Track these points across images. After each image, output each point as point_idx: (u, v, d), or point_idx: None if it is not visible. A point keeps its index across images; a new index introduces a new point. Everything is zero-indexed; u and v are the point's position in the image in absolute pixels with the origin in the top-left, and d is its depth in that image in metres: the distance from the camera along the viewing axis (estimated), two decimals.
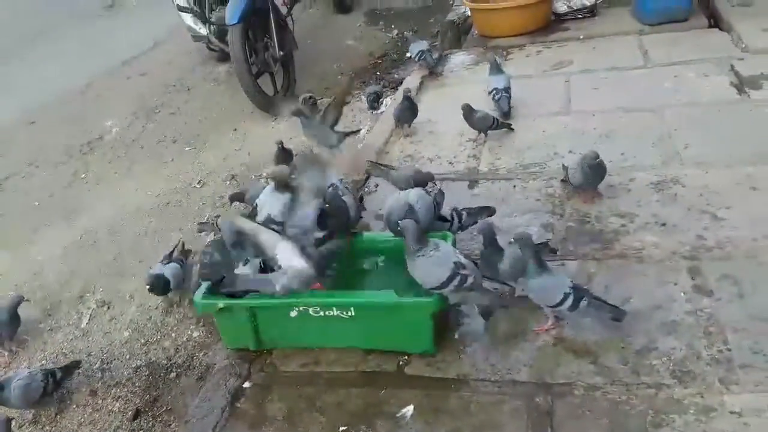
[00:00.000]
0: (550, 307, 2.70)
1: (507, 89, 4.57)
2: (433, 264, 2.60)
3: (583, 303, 2.63)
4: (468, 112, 4.20)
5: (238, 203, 3.86)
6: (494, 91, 4.59)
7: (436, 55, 5.79)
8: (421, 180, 3.46)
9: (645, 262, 3.05)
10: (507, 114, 4.53)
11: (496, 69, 4.75)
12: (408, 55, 5.98)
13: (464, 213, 3.22)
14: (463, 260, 2.63)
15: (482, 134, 4.30)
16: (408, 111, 4.55)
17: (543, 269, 2.67)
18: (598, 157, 3.41)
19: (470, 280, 2.59)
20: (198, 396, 2.83)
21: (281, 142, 3.72)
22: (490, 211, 3.32)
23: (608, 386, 2.47)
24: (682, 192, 3.49)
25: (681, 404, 2.35)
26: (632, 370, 2.52)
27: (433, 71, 5.61)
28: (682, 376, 2.45)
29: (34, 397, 2.87)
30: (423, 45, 5.67)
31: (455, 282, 2.56)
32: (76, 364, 3.11)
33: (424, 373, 2.69)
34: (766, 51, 4.86)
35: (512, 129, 4.35)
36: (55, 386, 2.95)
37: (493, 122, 4.21)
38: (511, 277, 2.82)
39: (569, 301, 2.61)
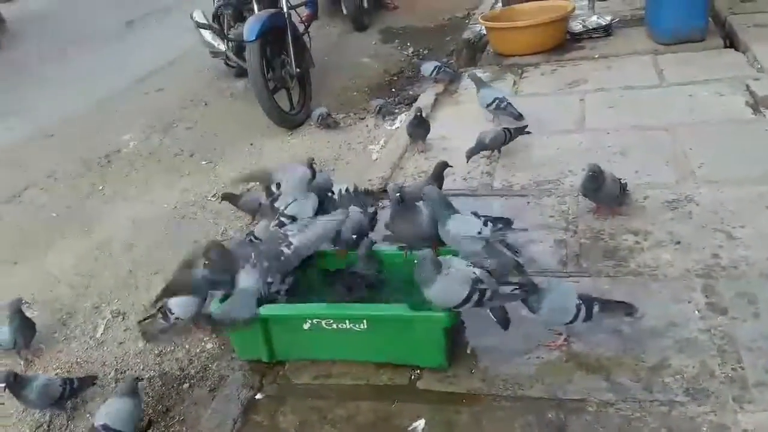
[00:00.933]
0: (565, 324, 2.69)
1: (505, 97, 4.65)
2: (451, 283, 2.57)
3: (596, 309, 2.62)
4: (476, 146, 4.21)
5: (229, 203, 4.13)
6: (497, 101, 4.61)
7: (450, 69, 5.87)
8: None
9: (659, 280, 3.05)
10: (521, 116, 4.58)
11: (483, 83, 4.88)
12: (422, 74, 5.99)
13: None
14: (478, 273, 2.60)
15: (496, 151, 4.31)
16: (419, 128, 4.57)
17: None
18: (593, 170, 3.41)
19: (488, 293, 2.56)
20: (210, 407, 2.84)
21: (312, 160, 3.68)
22: (507, 221, 3.31)
23: (621, 403, 2.46)
24: (696, 210, 3.49)
25: (694, 422, 2.33)
26: (645, 387, 2.51)
27: (452, 82, 5.73)
28: (695, 394, 2.44)
29: (52, 398, 2.91)
30: (435, 63, 5.76)
31: (475, 298, 2.53)
32: (93, 379, 3.13)
33: (436, 387, 2.69)
34: None
35: (530, 132, 4.36)
36: (70, 394, 2.97)
37: (506, 135, 4.21)
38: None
39: (583, 313, 2.61)
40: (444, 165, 3.66)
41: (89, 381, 3.10)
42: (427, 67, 5.75)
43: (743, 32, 5.58)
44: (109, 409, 2.72)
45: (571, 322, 2.66)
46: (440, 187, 3.47)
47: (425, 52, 7.40)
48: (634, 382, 2.53)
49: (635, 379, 2.55)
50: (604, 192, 3.48)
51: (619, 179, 3.52)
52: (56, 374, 3.29)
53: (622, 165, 3.99)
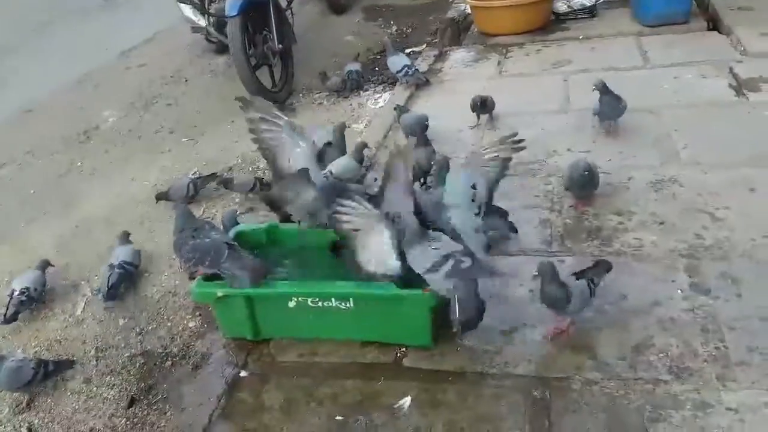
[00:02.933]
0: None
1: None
2: (428, 250, 2.58)
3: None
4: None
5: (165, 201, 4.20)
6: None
7: (422, 68, 5.66)
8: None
9: (643, 260, 3.07)
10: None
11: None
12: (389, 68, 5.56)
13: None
14: (459, 248, 2.59)
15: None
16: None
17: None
18: (587, 169, 3.39)
19: (465, 264, 2.53)
20: (194, 384, 2.82)
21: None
22: (501, 212, 3.32)
23: (606, 381, 2.48)
24: (680, 191, 3.51)
25: (678, 400, 2.36)
26: (630, 365, 2.53)
27: (419, 86, 5.37)
28: (679, 372, 2.46)
29: (21, 381, 2.85)
30: (403, 59, 5.40)
31: (450, 264, 2.52)
32: (70, 363, 3.08)
33: (422, 365, 2.69)
34: (764, 54, 4.89)
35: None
36: (44, 377, 2.92)
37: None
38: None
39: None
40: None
41: (66, 364, 3.05)
42: (395, 62, 5.35)
43: (726, 15, 5.60)
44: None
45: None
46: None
47: (409, 30, 7.33)
48: (618, 361, 2.56)
49: (620, 357, 2.57)
50: (590, 186, 3.48)
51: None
52: (35, 352, 3.24)
53: (606, 146, 4.00)
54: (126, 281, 3.55)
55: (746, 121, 4.09)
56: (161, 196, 4.22)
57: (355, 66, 5.80)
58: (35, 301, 3.48)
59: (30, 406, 2.93)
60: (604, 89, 4.03)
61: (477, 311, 2.58)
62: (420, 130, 4.04)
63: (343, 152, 3.92)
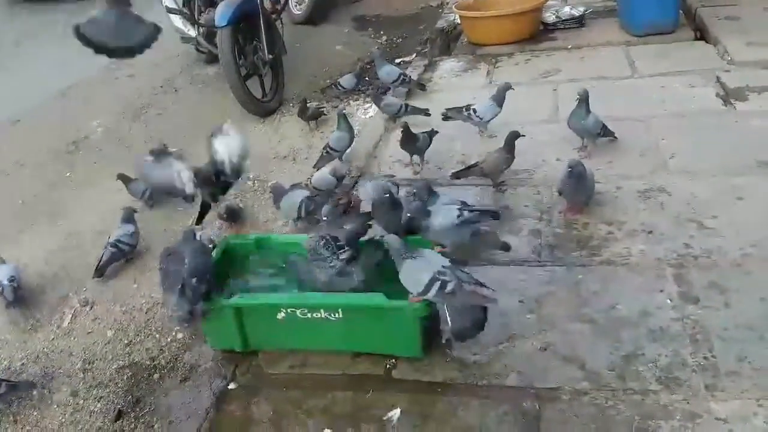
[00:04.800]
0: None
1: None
2: (416, 268, 2.56)
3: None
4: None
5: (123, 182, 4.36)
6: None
7: (415, 75, 5.69)
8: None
9: (632, 269, 3.07)
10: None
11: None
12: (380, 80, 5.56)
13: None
14: (445, 265, 2.56)
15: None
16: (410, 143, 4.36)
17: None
18: (574, 166, 3.39)
19: (450, 285, 2.48)
20: (182, 397, 2.80)
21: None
22: (493, 214, 3.34)
23: (595, 391, 2.48)
24: (668, 201, 3.52)
25: (667, 410, 2.36)
26: (619, 375, 2.53)
27: (410, 91, 5.43)
28: (668, 383, 2.46)
29: None
30: (394, 71, 5.38)
31: (436, 287, 2.49)
32: (30, 385, 3.04)
33: (412, 376, 2.68)
34: (751, 64, 4.92)
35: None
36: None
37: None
38: None
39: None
40: (516, 134, 3.76)
41: (24, 386, 3.01)
42: (389, 72, 5.35)
43: (713, 25, 5.64)
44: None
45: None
46: (512, 156, 3.76)
47: (398, 41, 7.35)
48: (608, 371, 2.56)
49: (609, 367, 2.57)
50: (582, 191, 3.48)
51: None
52: (21, 364, 3.22)
53: (595, 155, 4.01)
54: (118, 260, 3.72)
55: (734, 131, 4.11)
56: (122, 178, 4.38)
57: (351, 80, 5.72)
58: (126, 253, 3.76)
59: (16, 421, 2.90)
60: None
61: (473, 321, 2.55)
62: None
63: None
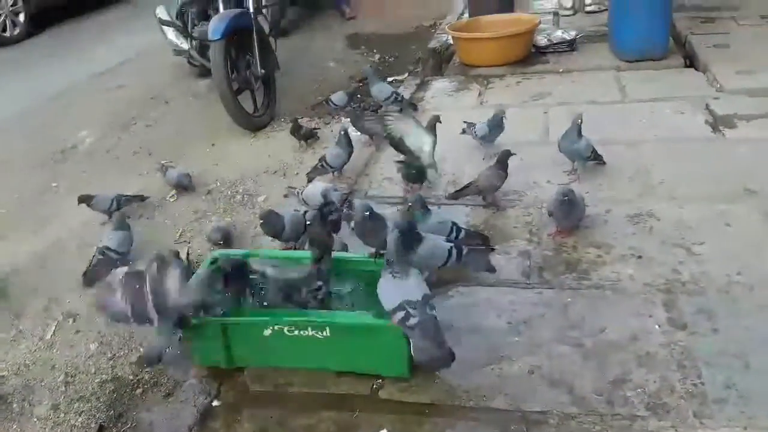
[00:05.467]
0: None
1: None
2: (391, 287, 2.53)
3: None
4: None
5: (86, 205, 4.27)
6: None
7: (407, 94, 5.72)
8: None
9: (621, 294, 3.07)
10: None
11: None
12: (373, 99, 5.63)
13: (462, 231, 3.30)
14: (418, 297, 2.48)
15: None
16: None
17: None
18: (568, 194, 3.39)
19: (412, 321, 2.43)
20: (165, 413, 2.75)
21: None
22: (483, 238, 3.40)
23: (583, 416, 2.46)
24: (657, 226, 3.53)
25: None
26: (607, 400, 2.51)
27: (402, 110, 5.31)
28: (656, 409, 2.45)
29: None
30: (387, 89, 5.43)
31: (400, 315, 2.45)
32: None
33: (398, 397, 2.65)
34: (740, 91, 4.98)
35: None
36: None
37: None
38: None
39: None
40: (508, 153, 3.86)
41: None
42: (382, 90, 5.39)
43: (703, 52, 5.72)
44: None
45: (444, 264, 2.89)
46: (505, 174, 3.83)
47: (391, 59, 7.39)
48: (596, 396, 2.54)
49: (597, 392, 2.55)
50: (574, 215, 3.49)
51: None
52: (2, 376, 3.16)
53: (585, 179, 4.03)
54: (105, 267, 3.55)
55: (722, 157, 4.14)
56: (83, 199, 4.27)
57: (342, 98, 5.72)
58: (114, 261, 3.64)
59: None
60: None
61: (435, 357, 2.49)
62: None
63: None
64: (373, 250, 3.06)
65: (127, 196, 4.40)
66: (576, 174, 4.08)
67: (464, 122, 4.62)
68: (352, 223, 3.18)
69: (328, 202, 3.44)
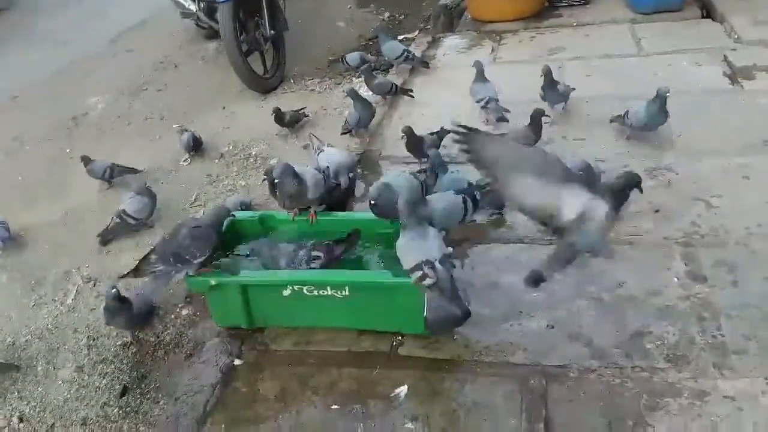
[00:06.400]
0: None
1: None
2: (409, 247, 2.53)
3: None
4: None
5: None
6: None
7: (418, 53, 5.66)
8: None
9: (639, 248, 3.06)
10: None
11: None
12: (385, 58, 5.61)
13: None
14: (436, 257, 2.47)
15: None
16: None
17: None
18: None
19: (429, 280, 2.43)
20: (188, 373, 2.79)
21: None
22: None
23: (602, 369, 2.48)
24: (675, 179, 3.50)
25: (675, 388, 2.36)
26: (626, 353, 2.52)
27: (414, 69, 5.43)
28: (676, 360, 2.46)
29: None
30: (398, 47, 5.38)
31: (418, 274, 2.45)
32: (16, 368, 3.04)
33: (418, 354, 2.68)
34: (758, 42, 4.88)
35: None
36: None
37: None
38: None
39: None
40: (541, 112, 3.75)
41: (6, 368, 3.02)
42: (393, 48, 5.36)
43: (720, 3, 5.58)
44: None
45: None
46: (538, 135, 3.75)
47: (401, 17, 7.27)
48: (615, 349, 2.55)
49: (616, 345, 2.57)
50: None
51: None
52: (26, 341, 3.21)
53: (601, 133, 3.99)
54: (122, 232, 3.78)
55: (741, 110, 4.08)
56: (84, 161, 4.36)
57: (356, 58, 5.68)
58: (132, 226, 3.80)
59: (21, 397, 2.90)
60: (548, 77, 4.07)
61: (446, 317, 2.52)
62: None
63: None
64: None
65: (120, 166, 4.39)
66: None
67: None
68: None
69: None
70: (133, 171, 4.46)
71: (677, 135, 3.88)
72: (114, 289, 2.90)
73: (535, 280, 2.39)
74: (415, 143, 3.87)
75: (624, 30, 5.57)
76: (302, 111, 4.92)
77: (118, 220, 3.76)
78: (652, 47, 5.15)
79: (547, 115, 3.71)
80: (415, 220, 2.56)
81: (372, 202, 2.89)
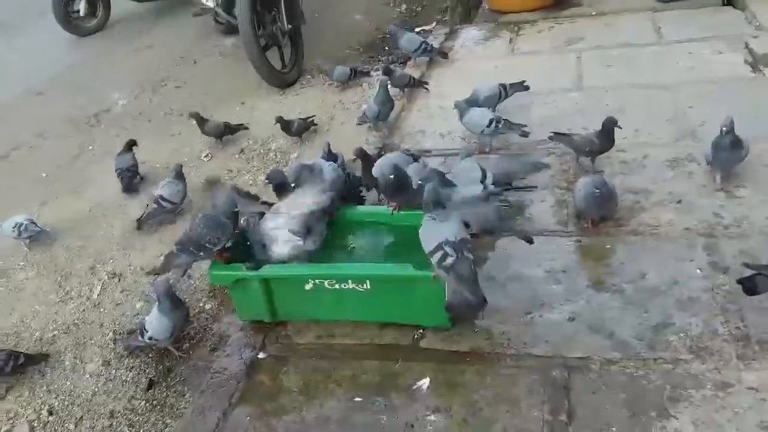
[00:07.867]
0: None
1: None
2: (431, 230, 2.57)
3: None
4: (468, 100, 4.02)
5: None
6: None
7: (436, 44, 5.62)
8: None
9: (661, 239, 3.05)
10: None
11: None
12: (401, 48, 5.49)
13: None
14: (456, 238, 2.50)
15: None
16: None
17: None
18: (600, 187, 3.06)
19: (449, 260, 2.46)
20: (213, 367, 2.83)
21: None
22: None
23: (625, 361, 2.48)
24: (696, 169, 3.48)
25: (698, 379, 2.35)
26: (649, 345, 2.52)
27: (431, 61, 5.42)
28: (699, 352, 2.45)
29: None
30: (415, 39, 5.32)
31: (438, 255, 2.48)
32: (43, 357, 3.10)
33: (440, 346, 2.69)
34: None
35: (528, 87, 4.30)
36: (13, 369, 2.94)
37: (501, 92, 4.16)
38: None
39: None
40: (613, 121, 3.47)
41: (39, 358, 3.08)
42: (411, 41, 5.29)
43: None
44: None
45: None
46: (610, 144, 3.53)
47: (418, 9, 7.25)
48: (637, 341, 2.55)
49: (639, 337, 2.56)
50: (608, 206, 3.19)
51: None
52: (53, 336, 3.27)
53: (621, 123, 3.94)
54: (159, 216, 3.92)
55: (763, 98, 4.03)
56: (130, 143, 4.46)
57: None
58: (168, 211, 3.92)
59: (50, 390, 2.96)
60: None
61: (466, 303, 2.52)
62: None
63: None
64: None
65: (129, 169, 4.36)
66: None
67: None
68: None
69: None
70: (243, 127, 4.81)
71: (698, 124, 3.84)
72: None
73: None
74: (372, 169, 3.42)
75: (644, 18, 5.51)
76: (311, 119, 4.74)
77: (155, 206, 3.87)
78: (672, 35, 5.09)
79: (619, 126, 3.49)
80: (438, 205, 2.61)
81: (391, 176, 2.91)
